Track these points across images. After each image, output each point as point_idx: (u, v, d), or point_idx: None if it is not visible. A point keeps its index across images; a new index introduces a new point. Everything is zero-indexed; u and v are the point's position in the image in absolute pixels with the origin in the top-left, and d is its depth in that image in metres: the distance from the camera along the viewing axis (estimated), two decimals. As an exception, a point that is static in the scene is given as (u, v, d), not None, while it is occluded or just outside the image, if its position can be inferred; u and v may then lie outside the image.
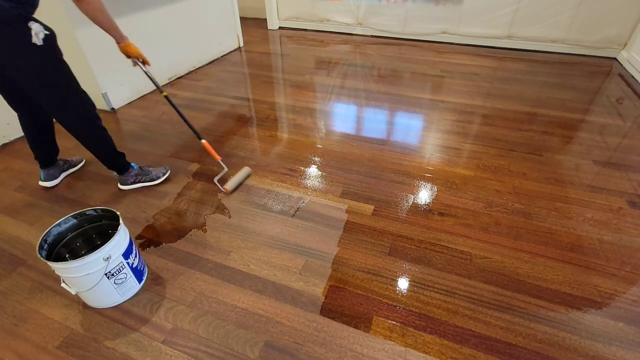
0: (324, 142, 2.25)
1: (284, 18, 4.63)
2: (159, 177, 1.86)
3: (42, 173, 1.83)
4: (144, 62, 1.77)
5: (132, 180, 1.80)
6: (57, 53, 1.42)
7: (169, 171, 1.91)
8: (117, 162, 1.75)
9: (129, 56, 1.70)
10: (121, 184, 1.82)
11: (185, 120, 1.86)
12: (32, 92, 1.47)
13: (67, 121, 1.57)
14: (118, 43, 1.64)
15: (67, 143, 2.03)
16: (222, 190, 1.76)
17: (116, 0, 2.47)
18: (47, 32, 1.34)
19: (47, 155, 1.80)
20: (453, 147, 2.17)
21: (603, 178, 1.89)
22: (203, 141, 1.84)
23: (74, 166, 1.98)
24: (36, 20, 1.32)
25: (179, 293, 1.32)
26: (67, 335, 1.20)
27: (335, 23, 4.41)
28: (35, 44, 1.30)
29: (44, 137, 1.75)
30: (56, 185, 1.87)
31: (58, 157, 1.87)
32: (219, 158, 1.86)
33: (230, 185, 1.79)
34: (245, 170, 1.90)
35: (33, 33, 1.28)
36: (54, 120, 1.67)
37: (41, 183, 1.84)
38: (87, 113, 1.59)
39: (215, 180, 1.82)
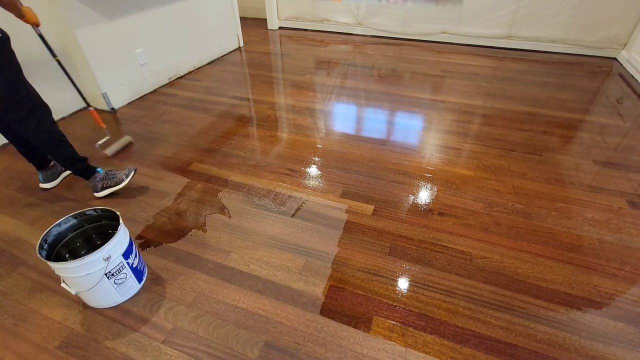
0: (324, 142, 2.25)
1: (284, 18, 4.63)
2: (122, 180, 1.78)
3: (40, 175, 1.82)
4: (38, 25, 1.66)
5: (101, 186, 1.76)
6: (10, 55, 1.37)
7: (134, 171, 1.81)
8: (76, 168, 1.70)
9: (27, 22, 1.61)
10: (94, 192, 1.78)
11: (72, 82, 1.94)
12: None
13: (19, 127, 1.52)
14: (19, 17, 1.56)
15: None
16: (102, 154, 1.95)
17: (117, 0, 2.48)
18: None
19: (36, 158, 1.78)
20: (453, 147, 2.17)
21: (603, 178, 1.89)
22: (91, 108, 2.03)
23: None
24: None
25: (179, 293, 1.32)
26: (67, 335, 1.20)
27: (335, 23, 4.41)
28: None
29: (25, 142, 1.71)
30: (56, 186, 1.87)
31: None
32: (103, 125, 2.07)
33: (109, 150, 2.02)
34: (126, 138, 2.11)
35: None
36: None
37: (41, 185, 1.84)
38: (43, 117, 1.53)
39: (97, 145, 2.03)
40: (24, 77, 1.46)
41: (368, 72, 3.29)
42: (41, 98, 1.54)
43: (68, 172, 1.94)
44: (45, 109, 1.56)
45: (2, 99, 1.41)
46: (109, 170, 1.80)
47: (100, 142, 2.04)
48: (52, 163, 1.85)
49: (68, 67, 2.47)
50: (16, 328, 1.22)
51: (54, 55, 1.80)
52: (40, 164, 1.80)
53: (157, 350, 1.14)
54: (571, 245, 1.50)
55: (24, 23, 1.56)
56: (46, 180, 1.84)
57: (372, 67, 3.41)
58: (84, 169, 1.73)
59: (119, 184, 1.78)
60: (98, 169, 1.77)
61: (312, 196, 1.79)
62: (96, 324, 1.23)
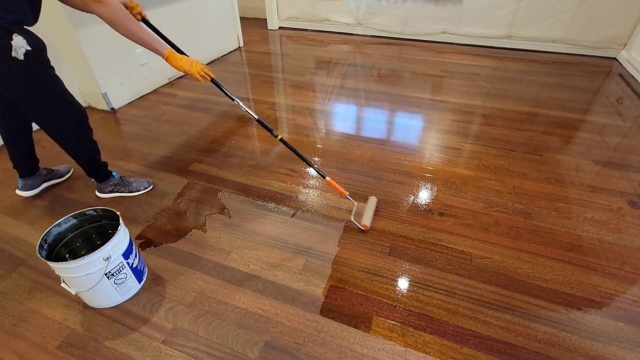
0: (324, 142, 2.25)
1: (284, 18, 4.63)
2: (139, 190, 1.80)
3: (20, 182, 1.77)
4: (205, 75, 1.54)
5: (110, 189, 1.76)
6: (41, 67, 1.34)
7: (152, 186, 1.84)
8: (99, 172, 1.71)
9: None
10: (98, 192, 1.78)
11: (305, 160, 1.67)
12: (16, 104, 1.41)
13: (52, 133, 1.52)
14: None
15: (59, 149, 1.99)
16: (361, 228, 1.58)
17: (116, 0, 2.47)
18: (29, 48, 1.25)
19: (24, 166, 1.74)
20: (453, 147, 2.17)
21: (603, 178, 1.89)
22: (327, 178, 1.66)
23: (60, 177, 1.90)
24: (22, 33, 1.24)
25: (179, 293, 1.32)
26: (67, 335, 1.20)
27: (335, 23, 4.41)
28: (15, 59, 1.23)
29: (23, 148, 1.70)
30: (33, 196, 1.80)
31: (42, 167, 1.82)
32: (345, 193, 1.66)
33: (366, 220, 1.58)
34: (372, 201, 1.70)
35: (13, 47, 1.21)
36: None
37: (17, 192, 1.78)
38: (74, 126, 1.52)
39: (352, 219, 1.63)
40: (59, 85, 1.42)
41: (368, 72, 3.29)
42: (79, 105, 1.51)
43: (52, 182, 1.87)
44: (82, 115, 1.53)
45: (39, 105, 1.40)
46: (123, 177, 1.80)
47: (353, 215, 1.65)
48: (38, 172, 1.80)
49: (68, 67, 2.48)
50: (16, 328, 1.22)
51: (276, 136, 1.64)
52: (27, 172, 1.76)
53: (157, 350, 1.14)
54: (571, 245, 1.50)
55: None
56: (25, 189, 1.78)
57: (372, 67, 3.41)
58: (104, 173, 1.73)
59: (133, 193, 1.79)
60: (113, 174, 1.77)
61: (312, 196, 1.79)
62: (96, 324, 1.23)
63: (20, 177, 1.76)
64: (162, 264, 1.44)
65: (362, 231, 1.58)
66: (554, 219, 1.63)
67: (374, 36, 4.28)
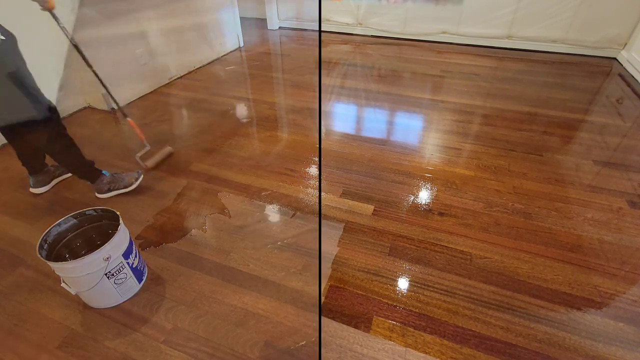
0: (324, 142, 2.25)
1: (284, 18, 4.63)
2: (132, 184, 1.79)
3: (31, 179, 1.79)
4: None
5: (107, 189, 1.76)
6: (16, 59, 1.36)
7: (142, 175, 1.83)
8: (84, 172, 1.71)
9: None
10: (97, 193, 1.78)
11: (101, 82, 1.87)
12: None
13: (25, 131, 1.52)
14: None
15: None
16: (143, 166, 1.85)
17: (117, 1, 2.47)
18: (2, 38, 1.28)
19: (30, 164, 1.75)
20: (453, 147, 2.17)
21: (603, 178, 1.89)
22: (129, 119, 1.89)
23: (68, 172, 1.93)
24: None
25: (179, 293, 1.32)
26: (67, 335, 1.20)
27: (335, 23, 4.41)
28: None
29: (25, 147, 1.69)
30: (46, 191, 1.83)
31: (50, 164, 1.83)
32: (142, 137, 1.95)
33: (150, 162, 1.88)
34: (166, 149, 2.01)
35: None
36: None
37: (31, 190, 1.81)
38: (54, 121, 1.52)
39: (137, 157, 1.89)
40: (30, 80, 1.43)
41: (368, 72, 3.29)
42: (51, 102, 1.52)
43: (61, 178, 1.90)
44: (55, 114, 1.53)
45: (11, 100, 1.40)
46: (114, 173, 1.79)
47: (140, 154, 1.90)
48: (46, 168, 1.82)
49: (68, 67, 2.47)
50: (16, 328, 1.22)
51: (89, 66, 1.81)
52: (34, 168, 1.77)
53: (157, 350, 1.14)
54: (571, 245, 1.50)
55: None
56: (36, 185, 1.80)
57: (372, 67, 3.41)
58: (90, 172, 1.73)
59: (128, 187, 1.79)
60: (104, 172, 1.77)
61: (312, 196, 1.79)
62: (96, 324, 1.23)
63: (30, 174, 1.78)
64: (162, 264, 1.44)
65: (144, 169, 1.83)
66: (554, 219, 1.63)
67: (374, 36, 4.28)
